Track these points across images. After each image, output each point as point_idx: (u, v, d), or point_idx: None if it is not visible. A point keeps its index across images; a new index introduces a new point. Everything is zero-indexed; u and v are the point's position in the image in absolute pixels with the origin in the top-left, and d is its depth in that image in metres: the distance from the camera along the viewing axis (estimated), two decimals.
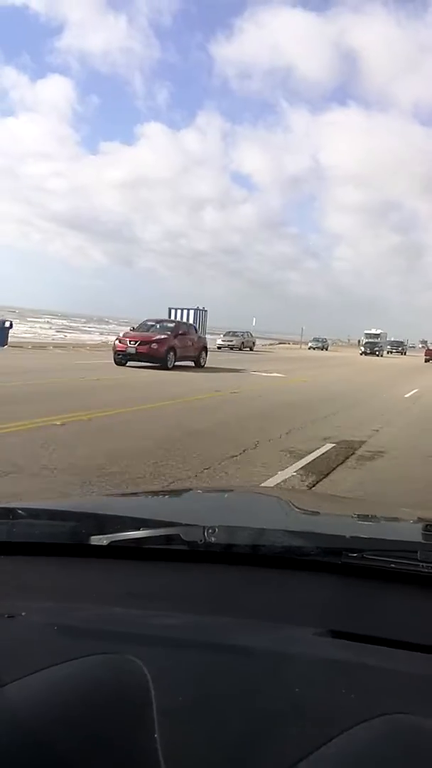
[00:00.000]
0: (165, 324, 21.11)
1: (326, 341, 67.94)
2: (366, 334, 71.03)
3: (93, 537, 1.14)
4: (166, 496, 2.30)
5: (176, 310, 35.22)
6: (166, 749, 0.63)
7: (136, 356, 18.05)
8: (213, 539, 1.13)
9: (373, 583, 1.09)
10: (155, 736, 0.65)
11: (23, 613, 0.91)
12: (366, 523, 1.61)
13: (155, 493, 2.97)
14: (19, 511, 1.27)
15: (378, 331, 71.41)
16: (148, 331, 19.90)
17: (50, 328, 65.25)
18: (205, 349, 21.92)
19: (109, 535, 1.14)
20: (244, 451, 6.71)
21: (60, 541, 1.18)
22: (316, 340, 66.78)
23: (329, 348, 65.48)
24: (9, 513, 1.26)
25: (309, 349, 61.02)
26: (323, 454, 6.99)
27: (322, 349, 62.21)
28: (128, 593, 1.06)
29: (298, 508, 1.66)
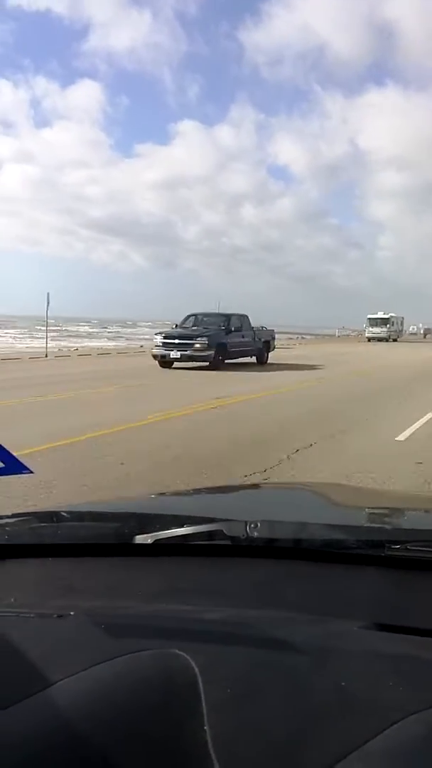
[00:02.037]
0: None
1: (396, 325, 60.34)
2: (369, 319, 61.74)
3: (137, 536, 1.16)
4: (206, 494, 2.32)
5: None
6: (216, 742, 0.64)
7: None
8: (255, 534, 1.14)
9: (418, 574, 1.08)
10: (205, 728, 0.65)
11: (72, 613, 0.93)
12: (406, 514, 1.59)
13: (194, 491, 2.98)
14: (63, 514, 1.31)
15: (386, 315, 61.95)
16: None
17: (88, 335, 66.24)
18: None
19: (153, 534, 1.15)
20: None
21: (105, 541, 1.21)
22: (374, 322, 58.64)
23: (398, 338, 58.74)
24: (53, 516, 1.30)
25: (369, 340, 55.14)
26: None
27: (387, 340, 55.57)
28: (173, 589, 1.07)
29: (337, 502, 1.69)
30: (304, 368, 19.55)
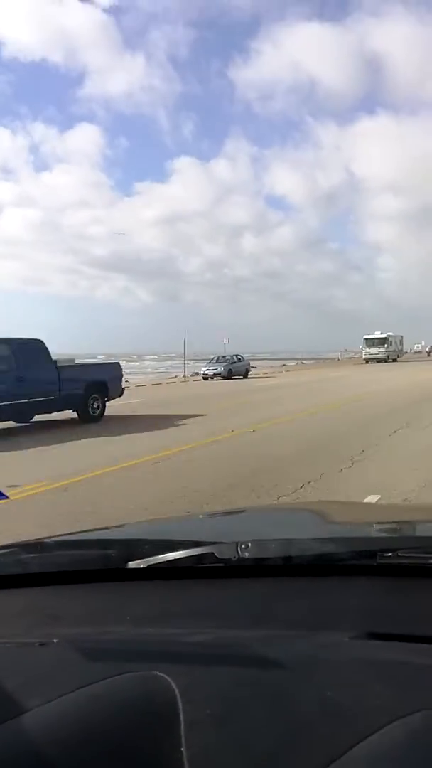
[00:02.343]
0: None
1: (395, 344, 58.40)
2: (366, 340, 59.35)
3: (127, 562, 1.15)
4: (194, 520, 2.32)
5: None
6: (193, 761, 0.63)
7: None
8: (246, 554, 1.12)
9: (411, 581, 1.07)
10: (182, 749, 0.64)
11: (55, 641, 0.91)
12: (397, 523, 1.56)
13: (182, 518, 2.98)
14: (49, 543, 1.31)
15: (383, 335, 59.51)
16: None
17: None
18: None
19: (144, 559, 1.14)
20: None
21: (91, 567, 1.19)
22: (371, 343, 56.61)
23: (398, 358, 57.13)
24: (39, 546, 1.30)
25: (366, 362, 53.63)
26: None
27: (386, 361, 53.38)
28: (162, 614, 1.05)
29: (327, 518, 1.68)
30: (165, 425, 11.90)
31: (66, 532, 1.76)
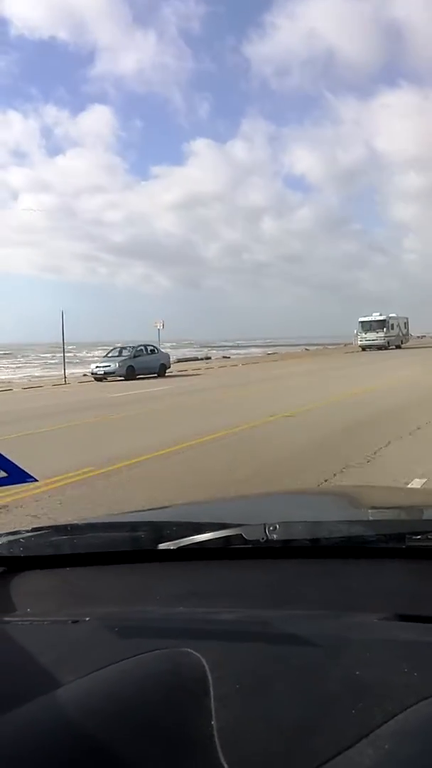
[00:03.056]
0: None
1: (398, 328, 50.19)
2: (361, 323, 49.98)
3: (158, 543, 1.16)
4: (221, 502, 2.32)
5: None
6: (223, 735, 0.64)
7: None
8: (274, 536, 1.13)
9: None
10: (212, 722, 0.66)
11: (87, 619, 0.93)
12: (426, 507, 1.57)
13: (208, 501, 3.00)
14: (80, 526, 1.34)
15: (381, 316, 49.94)
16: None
17: None
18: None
19: (173, 541, 1.15)
20: None
21: (122, 548, 1.21)
22: (368, 326, 48.38)
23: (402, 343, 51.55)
24: (69, 528, 1.33)
25: (363, 349, 47.33)
26: None
27: (386, 347, 46.42)
28: (191, 593, 1.07)
29: (355, 501, 1.69)
30: None
31: None
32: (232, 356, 54.01)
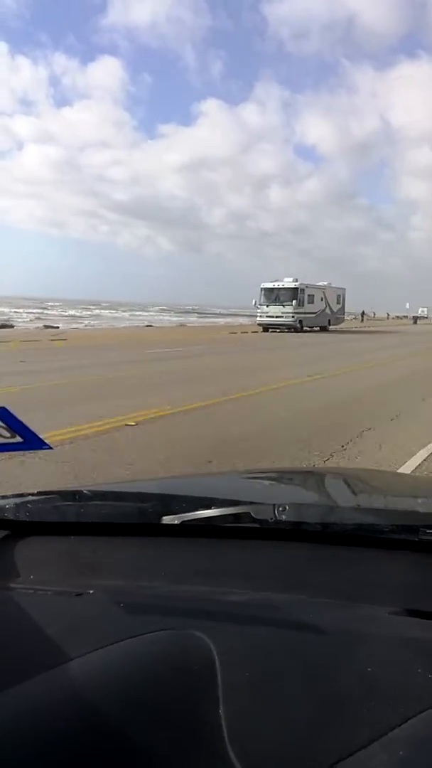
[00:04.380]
0: None
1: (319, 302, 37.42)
2: (264, 290, 36.10)
3: (163, 517, 1.14)
4: (232, 477, 2.27)
5: None
6: (231, 725, 0.63)
7: None
8: (283, 517, 1.11)
9: None
10: (219, 711, 0.64)
11: (91, 591, 0.92)
12: None
13: (220, 474, 2.98)
14: (87, 493, 1.29)
15: (293, 283, 35.87)
16: None
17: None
18: None
19: (179, 515, 1.14)
20: None
21: (128, 521, 1.19)
22: (272, 296, 35.09)
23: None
24: (77, 495, 1.29)
25: (265, 330, 34.30)
26: None
27: (296, 330, 34.25)
28: (197, 571, 1.05)
29: (368, 487, 1.65)
30: None
31: None
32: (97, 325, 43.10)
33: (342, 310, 42.52)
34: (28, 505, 1.23)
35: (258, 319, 36.09)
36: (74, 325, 41.38)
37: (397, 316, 79.54)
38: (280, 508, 1.12)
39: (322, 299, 38.29)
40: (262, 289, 36.41)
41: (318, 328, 37.59)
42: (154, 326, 41.64)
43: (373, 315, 79.62)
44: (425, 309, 73.70)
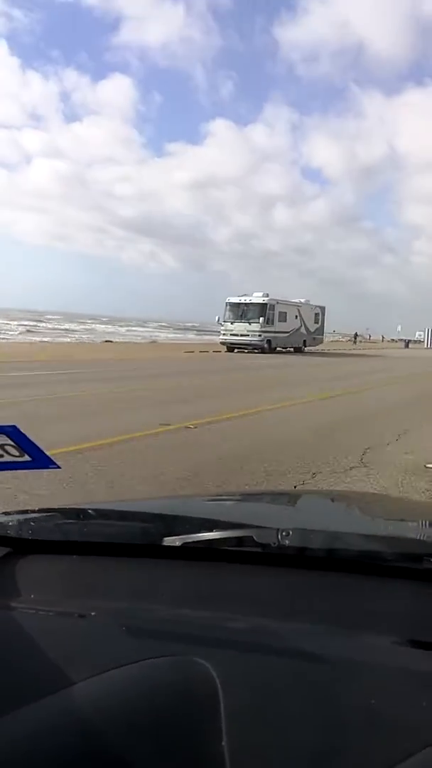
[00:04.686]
0: None
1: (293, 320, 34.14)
2: (229, 305, 32.60)
3: (165, 538, 1.13)
4: (235, 499, 2.23)
5: None
6: (234, 756, 0.62)
7: None
8: (287, 542, 1.10)
9: None
10: (223, 743, 0.64)
11: (93, 613, 0.92)
12: None
13: (224, 495, 2.88)
14: (90, 512, 1.28)
15: (262, 298, 32.43)
16: None
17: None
18: None
19: (181, 536, 1.12)
20: None
21: (131, 541, 1.18)
22: (239, 312, 31.71)
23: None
24: (79, 513, 1.28)
25: (230, 349, 31.15)
26: None
27: (263, 350, 30.76)
28: (199, 595, 1.05)
29: (373, 512, 1.63)
30: None
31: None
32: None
33: (321, 330, 39.43)
34: (31, 523, 1.22)
35: (221, 337, 32.73)
36: (49, 339, 39.82)
37: (392, 339, 76.77)
38: (284, 533, 1.10)
39: (296, 317, 35.05)
40: (227, 303, 32.97)
41: (292, 348, 34.05)
42: (114, 342, 38.34)
43: (368, 337, 77.62)
44: (422, 333, 72.24)
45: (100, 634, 0.88)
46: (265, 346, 31.44)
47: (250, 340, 31.22)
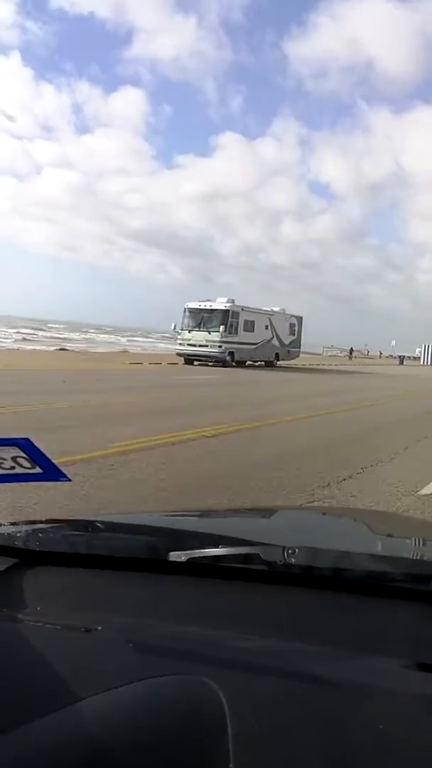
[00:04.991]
0: None
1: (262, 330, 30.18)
2: (189, 312, 28.75)
3: (171, 552, 1.13)
4: (243, 514, 2.24)
5: None
6: None
7: None
8: (293, 560, 1.09)
9: None
10: (230, 766, 0.63)
11: (99, 628, 0.91)
12: None
13: (231, 510, 2.89)
14: (98, 524, 1.28)
15: (225, 304, 28.56)
16: None
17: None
18: None
19: (187, 552, 1.12)
20: None
21: (138, 555, 1.18)
22: (199, 318, 27.98)
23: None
24: (87, 525, 1.27)
25: (188, 362, 27.38)
26: None
27: (222, 362, 26.94)
28: (205, 612, 1.04)
29: (381, 531, 1.61)
30: None
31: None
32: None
33: (297, 342, 35.01)
34: (39, 534, 1.21)
35: (177, 347, 28.67)
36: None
37: (391, 355, 73.40)
38: (290, 551, 1.09)
39: (267, 327, 30.94)
40: (185, 309, 28.83)
41: (262, 362, 30.32)
42: (69, 350, 34.89)
43: (367, 353, 74.17)
44: (420, 349, 69.39)
45: (106, 649, 0.87)
46: (227, 358, 27.54)
47: (209, 352, 27.35)
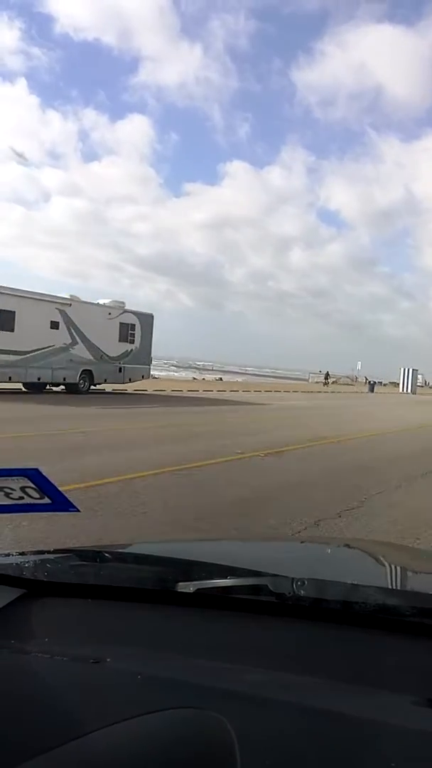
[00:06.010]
0: None
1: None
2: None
3: (179, 583, 1.13)
4: (252, 544, 2.26)
5: None
6: None
7: None
8: (302, 592, 1.08)
9: None
10: None
11: (108, 659, 0.91)
12: None
13: (240, 540, 2.96)
14: (106, 555, 1.28)
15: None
16: None
17: None
18: None
19: (195, 582, 1.12)
20: None
21: (146, 586, 1.18)
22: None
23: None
24: (96, 556, 1.28)
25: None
26: None
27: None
28: (214, 644, 1.04)
29: (391, 563, 1.59)
30: None
31: None
32: None
33: (140, 354, 23.39)
34: (47, 565, 1.21)
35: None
36: None
37: (367, 381, 71.72)
38: (299, 583, 1.09)
39: (55, 326, 19.77)
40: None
41: (49, 385, 20.04)
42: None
43: (355, 379, 69.17)
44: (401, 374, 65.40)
45: (114, 681, 0.87)
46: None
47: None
